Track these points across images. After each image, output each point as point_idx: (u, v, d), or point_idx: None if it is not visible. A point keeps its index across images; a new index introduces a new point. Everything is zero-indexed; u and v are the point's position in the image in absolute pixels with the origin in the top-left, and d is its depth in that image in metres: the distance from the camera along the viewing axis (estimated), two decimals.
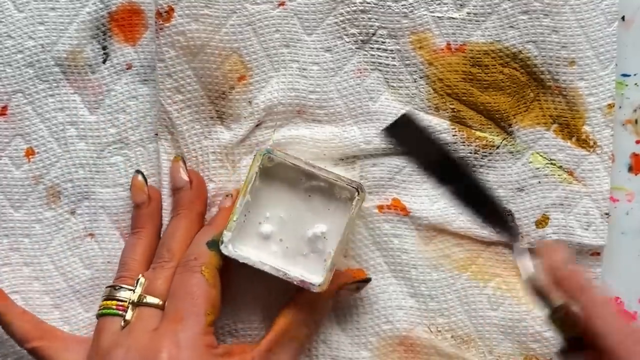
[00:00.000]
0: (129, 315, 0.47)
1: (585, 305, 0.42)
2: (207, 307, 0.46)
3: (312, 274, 0.49)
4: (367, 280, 0.52)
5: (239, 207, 0.48)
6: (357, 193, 0.48)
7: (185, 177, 0.51)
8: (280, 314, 0.49)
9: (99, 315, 0.48)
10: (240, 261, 0.48)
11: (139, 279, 0.48)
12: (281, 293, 0.51)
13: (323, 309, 0.51)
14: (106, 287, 0.49)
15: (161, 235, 0.51)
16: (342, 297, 0.52)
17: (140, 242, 0.50)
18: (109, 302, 0.48)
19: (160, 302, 0.47)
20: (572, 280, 0.43)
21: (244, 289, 0.52)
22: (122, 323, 0.47)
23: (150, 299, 0.47)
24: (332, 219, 0.49)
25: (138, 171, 0.52)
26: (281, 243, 0.49)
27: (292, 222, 0.49)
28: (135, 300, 0.47)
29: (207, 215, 0.52)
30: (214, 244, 0.48)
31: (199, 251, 0.47)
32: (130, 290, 0.48)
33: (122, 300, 0.47)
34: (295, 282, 0.48)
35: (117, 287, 0.48)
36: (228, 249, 0.48)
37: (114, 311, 0.47)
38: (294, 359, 0.49)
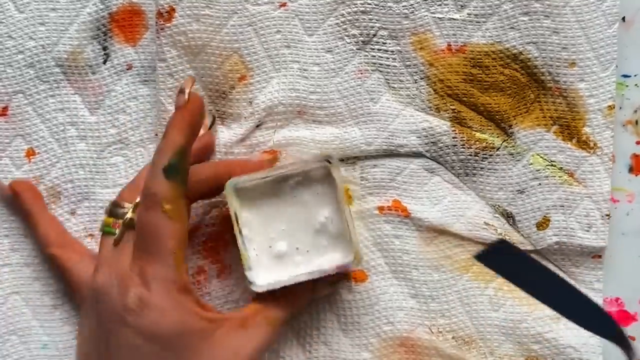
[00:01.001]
0: (118, 235, 0.46)
1: None
2: (173, 246, 0.43)
3: (344, 256, 0.48)
4: (345, 276, 0.51)
5: (243, 246, 0.47)
6: (329, 164, 0.47)
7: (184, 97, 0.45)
8: (258, 294, 0.48)
9: (101, 231, 0.48)
10: (279, 287, 0.47)
11: (136, 201, 0.47)
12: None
13: (301, 298, 0.50)
14: (109, 202, 0.48)
15: None
16: (320, 289, 0.51)
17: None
18: (109, 219, 0.47)
19: None
20: None
21: (244, 289, 0.52)
22: (113, 242, 0.46)
23: None
24: (326, 200, 0.49)
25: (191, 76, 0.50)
26: (299, 251, 0.49)
27: (296, 227, 0.49)
28: (126, 222, 0.46)
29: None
30: (172, 170, 0.44)
31: (157, 182, 0.44)
32: (128, 208, 0.47)
33: (120, 218, 0.47)
34: (335, 272, 0.47)
35: (117, 204, 0.47)
36: (260, 286, 0.47)
37: (111, 229, 0.47)
38: (265, 340, 0.46)
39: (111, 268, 0.45)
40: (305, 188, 0.49)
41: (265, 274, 0.48)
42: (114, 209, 0.48)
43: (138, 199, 0.46)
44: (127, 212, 0.47)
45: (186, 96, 0.45)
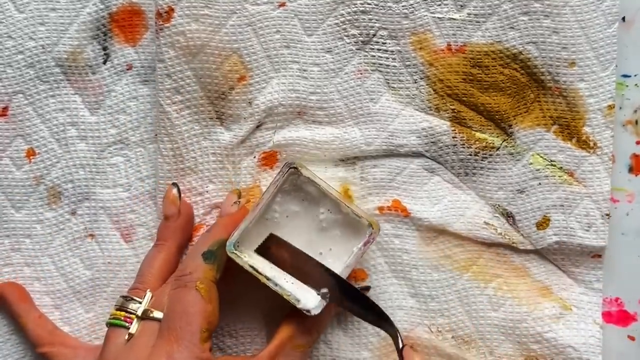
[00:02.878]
0: (133, 328, 0.47)
1: None
2: (202, 324, 0.45)
3: (362, 233, 0.48)
4: (367, 289, 0.52)
5: (279, 288, 0.47)
6: (294, 169, 0.48)
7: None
8: (282, 323, 0.49)
9: (108, 324, 0.48)
10: (246, 269, 0.47)
11: (146, 293, 0.48)
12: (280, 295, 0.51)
13: (325, 318, 0.50)
14: (120, 297, 0.48)
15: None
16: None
17: (160, 255, 0.50)
18: (119, 312, 0.47)
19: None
20: None
21: (244, 291, 0.52)
22: (127, 336, 0.46)
23: (156, 314, 0.47)
24: (315, 199, 0.49)
25: (175, 184, 0.51)
26: (323, 255, 0.49)
27: (304, 237, 0.49)
28: (141, 314, 0.47)
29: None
30: (210, 256, 0.47)
31: (195, 264, 0.47)
32: (141, 302, 0.47)
33: (130, 312, 0.47)
34: (365, 249, 0.48)
35: (128, 299, 0.48)
36: (316, 308, 0.47)
37: (121, 322, 0.47)
38: None
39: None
40: (290, 201, 0.49)
41: (311, 295, 0.48)
42: (125, 303, 0.48)
43: (149, 292, 0.48)
44: (140, 306, 0.47)
45: (239, 205, 0.51)
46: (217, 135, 0.52)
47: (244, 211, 0.50)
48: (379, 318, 0.47)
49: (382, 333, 0.52)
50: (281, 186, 0.48)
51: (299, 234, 0.49)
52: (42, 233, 0.54)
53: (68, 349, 0.51)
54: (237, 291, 0.52)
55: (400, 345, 0.46)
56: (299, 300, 0.47)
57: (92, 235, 0.54)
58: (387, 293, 0.52)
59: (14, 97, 0.53)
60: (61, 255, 0.54)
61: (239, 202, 0.51)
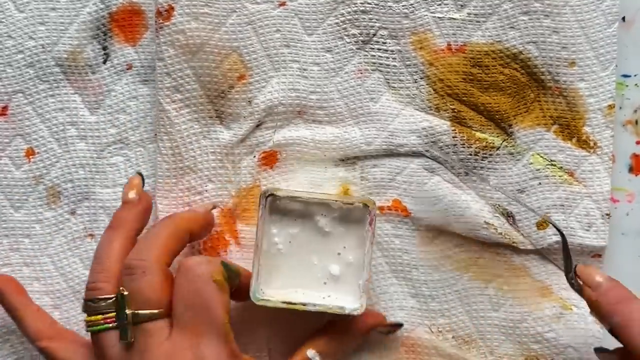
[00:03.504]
0: (129, 336, 0.44)
1: (622, 319, 0.44)
2: (223, 316, 0.44)
3: (347, 297, 0.48)
4: (400, 325, 0.52)
5: (255, 258, 0.47)
6: (367, 209, 0.48)
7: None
8: (307, 342, 0.48)
9: (91, 332, 0.45)
10: (281, 307, 0.47)
11: (121, 293, 0.44)
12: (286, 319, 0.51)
13: (351, 343, 0.50)
14: (84, 300, 0.46)
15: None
16: (372, 336, 0.52)
17: (118, 238, 0.47)
18: (94, 317, 0.45)
19: (156, 312, 0.44)
20: (609, 294, 0.45)
21: (247, 320, 0.52)
22: (123, 343, 0.44)
23: (146, 313, 0.44)
24: (350, 240, 0.49)
25: (139, 173, 0.50)
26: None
27: (304, 251, 0.49)
28: (131, 321, 0.44)
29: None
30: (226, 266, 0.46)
31: (204, 259, 0.45)
32: (110, 299, 0.45)
33: (106, 312, 0.45)
34: (334, 312, 0.47)
35: (95, 301, 0.45)
36: (358, 308, 0.47)
37: (105, 326, 0.44)
38: None
39: None
40: (285, 226, 0.49)
41: (349, 297, 0.48)
42: (94, 306, 0.45)
43: (123, 291, 0.44)
44: (113, 301, 0.45)
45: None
46: (216, 134, 0.52)
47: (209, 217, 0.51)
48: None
49: (384, 335, 0.52)
50: (268, 218, 0.48)
51: (309, 251, 0.48)
52: (42, 233, 0.53)
53: (68, 343, 0.49)
54: (240, 305, 0.52)
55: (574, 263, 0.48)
56: (343, 307, 0.47)
57: (91, 235, 0.53)
58: (387, 293, 0.52)
59: (13, 96, 0.53)
60: (60, 255, 0.53)
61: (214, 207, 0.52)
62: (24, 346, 0.53)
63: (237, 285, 0.46)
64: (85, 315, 0.45)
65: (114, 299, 0.45)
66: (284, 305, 0.47)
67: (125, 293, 0.44)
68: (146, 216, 0.49)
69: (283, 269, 0.48)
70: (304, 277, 0.48)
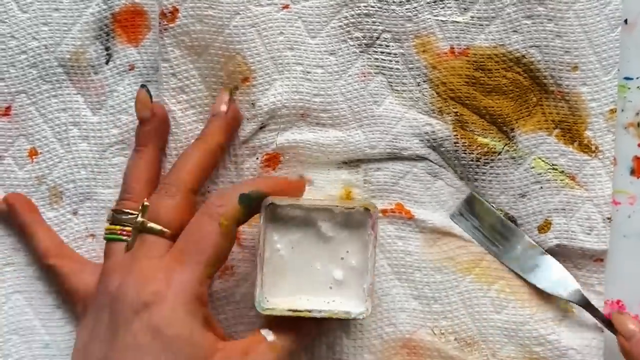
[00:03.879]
0: (131, 240, 0.47)
1: None
2: (212, 257, 0.45)
3: (351, 302, 0.48)
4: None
5: (258, 267, 0.47)
6: (369, 213, 0.47)
7: (224, 107, 0.50)
8: (265, 321, 0.49)
9: (106, 239, 0.48)
10: (287, 315, 0.47)
11: (143, 203, 0.47)
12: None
13: (310, 327, 0.49)
14: (110, 210, 0.49)
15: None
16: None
17: (142, 161, 0.50)
18: (113, 226, 0.48)
19: (164, 230, 0.46)
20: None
21: (246, 291, 0.52)
22: (126, 247, 0.47)
23: (153, 225, 0.46)
24: (353, 245, 0.48)
25: (143, 85, 0.51)
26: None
27: (307, 257, 0.49)
28: (139, 226, 0.47)
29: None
30: (246, 199, 0.46)
31: (228, 199, 0.46)
32: (133, 214, 0.47)
33: (125, 225, 0.47)
34: (340, 317, 0.47)
35: (119, 212, 0.48)
36: (362, 313, 0.47)
37: (118, 236, 0.47)
38: None
39: (126, 271, 0.45)
40: (287, 233, 0.48)
41: (354, 300, 0.48)
42: (117, 216, 0.48)
43: (145, 202, 0.47)
44: (135, 217, 0.47)
45: (297, 178, 0.52)
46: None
47: (300, 186, 0.51)
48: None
49: (385, 335, 0.52)
50: (270, 226, 0.48)
51: (312, 257, 0.48)
52: None
53: (76, 263, 0.51)
54: (238, 292, 0.52)
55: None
56: (349, 312, 0.47)
57: (93, 235, 0.53)
58: (389, 295, 0.52)
59: (16, 96, 0.53)
60: None
61: (302, 177, 0.52)
62: (26, 345, 0.53)
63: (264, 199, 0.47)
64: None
65: (135, 215, 0.47)
66: (290, 313, 0.46)
67: (147, 204, 0.47)
68: (165, 128, 0.51)
69: (286, 276, 0.48)
70: (308, 283, 0.48)
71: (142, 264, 0.45)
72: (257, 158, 0.52)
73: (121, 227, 0.47)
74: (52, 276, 0.51)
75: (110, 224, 0.48)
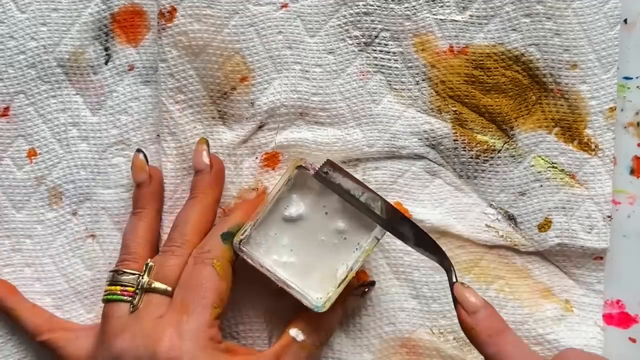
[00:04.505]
0: (136, 300, 0.47)
1: (497, 351, 0.44)
2: (215, 299, 0.46)
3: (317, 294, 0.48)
4: (372, 284, 0.52)
5: (263, 211, 0.48)
6: (300, 164, 0.48)
7: (206, 160, 0.50)
8: (290, 322, 0.49)
9: (105, 301, 0.48)
10: (252, 264, 0.47)
11: (148, 263, 0.48)
12: (284, 296, 0.50)
13: (332, 318, 0.50)
14: (110, 272, 0.49)
15: (162, 216, 0.52)
16: (350, 304, 0.52)
17: (141, 223, 0.50)
18: (113, 287, 0.48)
19: (169, 289, 0.47)
20: (484, 324, 0.45)
21: (247, 292, 0.52)
22: (131, 308, 0.47)
23: (158, 285, 0.47)
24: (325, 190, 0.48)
25: (139, 150, 0.52)
26: (293, 253, 0.49)
27: (308, 236, 0.49)
28: (144, 286, 0.47)
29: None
30: (229, 237, 0.48)
31: (213, 243, 0.47)
32: (134, 275, 0.48)
33: (126, 285, 0.47)
34: (371, 247, 0.48)
35: (120, 272, 0.48)
36: (243, 250, 0.47)
37: (119, 297, 0.47)
38: None
39: (133, 333, 0.45)
40: (300, 195, 0.49)
41: (317, 294, 0.48)
42: (117, 277, 0.48)
43: (150, 262, 0.48)
44: (136, 277, 0.47)
45: (256, 193, 0.52)
46: (219, 134, 0.52)
47: (262, 198, 0.51)
48: (435, 249, 0.47)
49: (384, 335, 0.52)
50: (289, 181, 0.48)
51: (314, 230, 0.48)
52: (43, 233, 0.53)
53: (67, 332, 0.50)
54: (240, 292, 0.52)
55: (453, 280, 0.46)
56: (307, 298, 0.47)
57: (93, 236, 0.53)
58: (388, 295, 0.52)
59: (15, 97, 0.53)
60: (62, 256, 0.53)
61: (257, 189, 0.52)
62: (25, 346, 0.53)
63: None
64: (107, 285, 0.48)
65: (136, 275, 0.48)
66: (258, 267, 0.47)
67: (152, 264, 0.48)
68: (161, 190, 0.52)
69: (281, 236, 0.48)
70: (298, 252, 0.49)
71: (150, 324, 0.45)
72: (257, 157, 0.52)
73: (122, 288, 0.47)
74: (49, 350, 0.50)
75: (109, 284, 0.48)
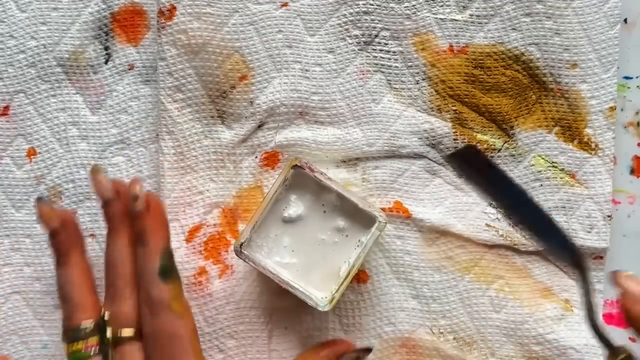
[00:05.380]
0: (110, 357, 0.44)
1: None
2: (192, 344, 0.44)
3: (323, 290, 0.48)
4: (369, 350, 0.51)
5: (262, 211, 0.47)
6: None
7: (110, 188, 0.46)
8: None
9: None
10: (254, 267, 0.47)
11: (103, 316, 0.45)
12: (284, 295, 0.50)
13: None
14: (64, 333, 0.45)
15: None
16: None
17: (75, 271, 0.46)
18: (75, 345, 0.44)
19: (135, 333, 0.44)
20: None
21: (246, 292, 0.52)
22: None
23: (127, 334, 0.44)
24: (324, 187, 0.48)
25: (40, 198, 0.47)
26: (295, 254, 0.49)
27: (309, 234, 0.49)
28: (113, 341, 0.44)
29: None
30: (166, 270, 0.44)
31: (158, 288, 0.44)
32: (90, 325, 0.44)
33: (86, 338, 0.44)
34: (374, 239, 0.48)
35: (76, 329, 0.45)
36: (244, 254, 0.47)
37: (86, 353, 0.44)
38: None
39: None
40: (299, 191, 0.48)
41: (320, 293, 0.48)
42: (76, 334, 0.45)
43: (104, 312, 0.45)
44: (92, 327, 0.44)
45: (142, 200, 0.45)
46: (218, 133, 0.52)
47: (156, 205, 0.46)
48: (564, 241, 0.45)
49: (384, 335, 0.52)
50: (289, 184, 0.48)
51: (313, 229, 0.48)
52: (43, 233, 0.53)
53: None
54: (239, 292, 0.52)
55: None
56: (311, 298, 0.47)
57: (93, 235, 0.53)
58: (388, 295, 0.52)
59: (15, 96, 0.53)
60: None
61: (137, 196, 0.45)
62: (25, 346, 0.53)
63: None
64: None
65: (92, 324, 0.44)
66: (261, 269, 0.47)
67: (107, 318, 0.45)
68: (79, 233, 0.47)
69: (281, 237, 0.48)
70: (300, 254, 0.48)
71: None
72: (256, 157, 0.52)
73: (85, 343, 0.44)
74: None
75: (70, 345, 0.45)
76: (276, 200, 0.48)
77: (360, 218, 0.48)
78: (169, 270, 0.44)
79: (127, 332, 0.44)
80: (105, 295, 0.46)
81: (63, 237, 0.46)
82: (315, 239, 0.48)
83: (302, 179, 0.48)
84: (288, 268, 0.48)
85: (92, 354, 0.44)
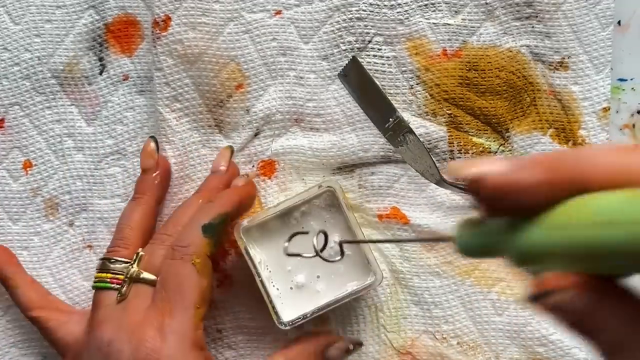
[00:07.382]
0: (124, 290, 0.46)
1: None
2: (197, 300, 0.44)
3: (364, 277, 0.48)
4: (359, 344, 0.50)
5: (263, 287, 0.48)
6: (332, 190, 0.48)
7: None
8: (299, 340, 0.49)
9: (94, 288, 0.47)
10: (245, 257, 0.48)
11: (138, 252, 0.47)
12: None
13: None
14: (100, 259, 0.48)
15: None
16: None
17: (138, 208, 0.49)
18: (103, 274, 0.46)
19: (157, 278, 0.46)
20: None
21: (245, 302, 0.52)
22: (118, 297, 0.46)
23: (146, 276, 0.46)
24: (335, 226, 0.49)
25: (152, 137, 0.51)
26: (320, 279, 0.49)
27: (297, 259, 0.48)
28: (133, 276, 0.46)
29: None
30: (210, 229, 0.46)
31: (192, 237, 0.45)
32: (125, 263, 0.46)
33: (116, 273, 0.46)
34: (361, 293, 0.48)
35: (111, 260, 0.47)
36: (287, 323, 0.47)
37: (108, 284, 0.46)
38: None
39: (119, 323, 0.44)
40: (312, 217, 0.49)
41: (291, 310, 0.48)
42: (107, 264, 0.47)
43: (141, 251, 0.47)
44: (127, 266, 0.46)
45: (244, 180, 0.50)
46: (216, 143, 0.52)
47: (251, 187, 0.50)
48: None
49: (387, 342, 0.52)
50: (311, 200, 0.49)
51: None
52: (40, 245, 0.53)
53: (59, 313, 0.49)
54: (238, 302, 0.51)
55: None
56: (276, 312, 0.47)
57: (90, 246, 0.53)
58: (390, 302, 0.52)
59: (10, 108, 0.53)
60: (59, 267, 0.53)
61: (247, 175, 0.51)
62: (24, 358, 0.52)
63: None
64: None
65: (126, 263, 0.46)
66: (315, 315, 0.47)
67: (142, 253, 0.46)
68: (165, 183, 0.51)
69: (287, 285, 0.48)
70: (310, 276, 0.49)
71: (135, 318, 0.44)
72: (253, 165, 0.52)
73: (112, 275, 0.46)
74: (38, 328, 0.49)
75: (99, 271, 0.47)
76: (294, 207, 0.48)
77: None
78: (212, 231, 0.46)
79: (148, 276, 0.46)
80: (151, 239, 0.48)
81: (148, 179, 0.50)
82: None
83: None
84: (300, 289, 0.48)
85: (113, 287, 0.46)
